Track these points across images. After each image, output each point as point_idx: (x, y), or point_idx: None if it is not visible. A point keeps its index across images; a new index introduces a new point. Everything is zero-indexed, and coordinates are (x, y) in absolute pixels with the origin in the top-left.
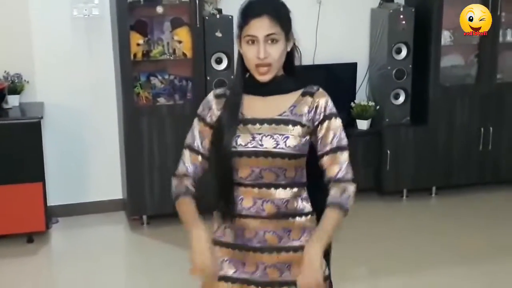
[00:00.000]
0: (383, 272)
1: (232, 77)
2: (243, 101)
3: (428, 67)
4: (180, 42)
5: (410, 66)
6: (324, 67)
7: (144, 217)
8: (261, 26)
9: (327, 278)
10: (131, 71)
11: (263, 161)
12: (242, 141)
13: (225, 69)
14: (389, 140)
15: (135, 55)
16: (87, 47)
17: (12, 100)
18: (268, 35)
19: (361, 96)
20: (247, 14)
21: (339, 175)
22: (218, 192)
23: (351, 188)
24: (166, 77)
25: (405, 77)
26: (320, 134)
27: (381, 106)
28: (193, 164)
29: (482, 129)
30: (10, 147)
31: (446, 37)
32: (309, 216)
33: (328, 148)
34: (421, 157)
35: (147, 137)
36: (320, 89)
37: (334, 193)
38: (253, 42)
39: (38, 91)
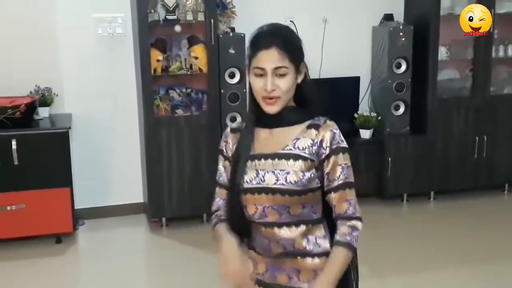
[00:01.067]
0: (385, 273)
1: (244, 90)
2: (255, 136)
3: (426, 80)
4: (196, 58)
5: (410, 79)
6: (329, 80)
7: (163, 219)
8: (270, 59)
9: None
10: (151, 85)
11: (265, 198)
12: (248, 178)
13: (237, 83)
14: (390, 148)
15: (155, 70)
16: (111, 63)
17: (43, 112)
18: (276, 67)
19: (364, 107)
20: (255, 46)
21: (349, 212)
22: (235, 227)
23: (359, 225)
24: (184, 90)
25: (404, 89)
26: (326, 170)
27: (383, 116)
28: (223, 198)
29: (477, 138)
30: (41, 155)
31: (442, 52)
32: (323, 258)
33: (335, 184)
34: (420, 164)
35: (166, 145)
36: (328, 121)
37: (343, 231)
38: (261, 74)
39: (66, 103)
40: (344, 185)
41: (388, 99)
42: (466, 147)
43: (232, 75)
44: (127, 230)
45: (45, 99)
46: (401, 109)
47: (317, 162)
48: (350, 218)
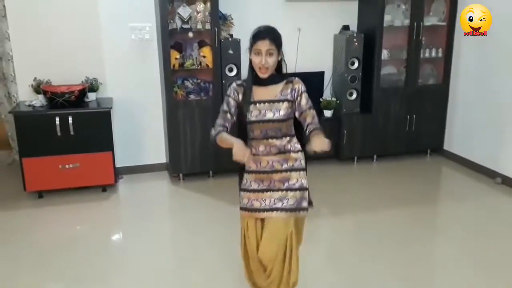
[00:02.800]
0: (341, 213)
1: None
2: (253, 90)
3: (372, 74)
4: (204, 56)
5: (360, 73)
6: (302, 74)
7: (181, 174)
8: (264, 45)
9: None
10: (171, 77)
11: (267, 125)
12: (254, 114)
13: (235, 75)
14: (345, 123)
15: (174, 65)
16: (142, 60)
17: (91, 96)
18: (267, 49)
19: (327, 94)
20: (256, 37)
21: (315, 119)
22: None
23: (318, 123)
24: (195, 80)
25: (356, 81)
26: (299, 102)
27: (340, 101)
28: (226, 119)
29: (408, 116)
30: (91, 128)
31: (384, 54)
32: (298, 153)
33: (304, 108)
34: (367, 135)
35: (182, 121)
36: (296, 78)
37: (315, 126)
38: (258, 54)
39: (109, 89)
40: (310, 107)
41: (344, 88)
42: (400, 123)
43: (230, 69)
44: (154, 182)
45: (93, 86)
46: (354, 95)
47: (293, 101)
48: (315, 122)
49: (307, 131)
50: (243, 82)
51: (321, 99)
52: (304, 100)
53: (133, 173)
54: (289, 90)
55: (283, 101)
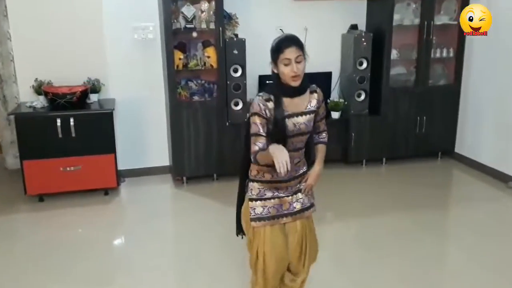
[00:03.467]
0: (349, 216)
1: (244, 82)
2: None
3: (381, 74)
4: (208, 57)
5: (369, 74)
6: (309, 74)
7: (184, 178)
8: (292, 52)
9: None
10: (175, 77)
11: (300, 137)
12: (290, 128)
13: (240, 76)
14: (353, 125)
15: (177, 66)
16: (144, 60)
17: (93, 97)
18: (296, 57)
19: (335, 95)
20: (281, 46)
21: (325, 128)
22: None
23: (326, 135)
24: (199, 81)
25: (365, 81)
26: (319, 111)
27: (348, 102)
28: (261, 143)
29: (418, 117)
30: (93, 130)
31: (394, 54)
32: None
33: (322, 116)
34: (375, 137)
35: (186, 122)
36: (317, 88)
37: (324, 135)
38: (288, 64)
39: (111, 90)
40: (324, 117)
41: (352, 89)
42: (410, 124)
43: (235, 70)
44: (157, 186)
45: (95, 87)
46: (362, 96)
47: (317, 110)
48: (325, 131)
49: (316, 138)
50: (269, 96)
51: (328, 100)
52: (322, 110)
53: (135, 176)
54: (315, 102)
55: (312, 112)
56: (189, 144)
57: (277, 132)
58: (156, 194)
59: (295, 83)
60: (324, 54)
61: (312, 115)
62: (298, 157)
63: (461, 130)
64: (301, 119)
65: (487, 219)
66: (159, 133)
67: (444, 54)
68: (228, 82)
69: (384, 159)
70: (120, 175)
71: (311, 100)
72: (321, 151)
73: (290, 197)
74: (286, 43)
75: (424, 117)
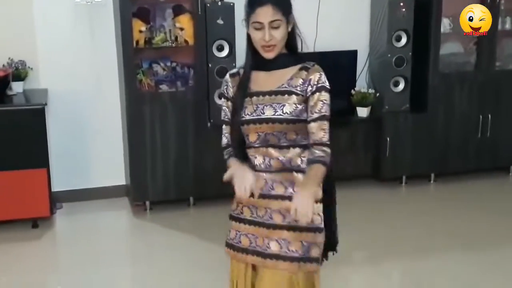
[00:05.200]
0: (383, 256)
1: (233, 64)
2: (251, 78)
3: (427, 54)
4: (182, 29)
5: (410, 53)
6: (324, 54)
7: (147, 203)
8: (266, 14)
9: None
10: (134, 58)
11: (266, 127)
12: (248, 111)
13: (226, 56)
14: (388, 127)
15: (137, 42)
16: (90, 34)
17: (16, 87)
18: (271, 21)
19: (361, 84)
20: (253, 3)
21: (324, 140)
22: (235, 153)
23: (329, 150)
24: (168, 64)
25: (405, 64)
26: (311, 103)
27: (381, 93)
28: (230, 134)
29: (480, 116)
30: (15, 134)
31: (445, 24)
32: None
33: (316, 115)
34: (420, 144)
35: (150, 123)
36: (316, 65)
37: (318, 153)
38: (259, 27)
39: (42, 77)
40: (322, 117)
41: (387, 75)
42: (469, 126)
43: (220, 48)
44: (109, 214)
45: (19, 72)
46: (401, 85)
47: (305, 97)
48: (324, 144)
49: (308, 156)
50: (238, 70)
51: (353, 91)
52: (320, 104)
53: (77, 200)
54: (300, 80)
55: (289, 93)
56: (154, 155)
57: (233, 118)
58: (107, 226)
59: (267, 55)
60: (346, 25)
61: (290, 98)
62: (279, 162)
63: None
64: (267, 99)
65: None
66: (112, 139)
67: None
68: (210, 65)
69: (432, 175)
70: (55, 200)
71: (293, 78)
72: (313, 168)
73: (267, 229)
74: (258, 2)
75: (489, 115)
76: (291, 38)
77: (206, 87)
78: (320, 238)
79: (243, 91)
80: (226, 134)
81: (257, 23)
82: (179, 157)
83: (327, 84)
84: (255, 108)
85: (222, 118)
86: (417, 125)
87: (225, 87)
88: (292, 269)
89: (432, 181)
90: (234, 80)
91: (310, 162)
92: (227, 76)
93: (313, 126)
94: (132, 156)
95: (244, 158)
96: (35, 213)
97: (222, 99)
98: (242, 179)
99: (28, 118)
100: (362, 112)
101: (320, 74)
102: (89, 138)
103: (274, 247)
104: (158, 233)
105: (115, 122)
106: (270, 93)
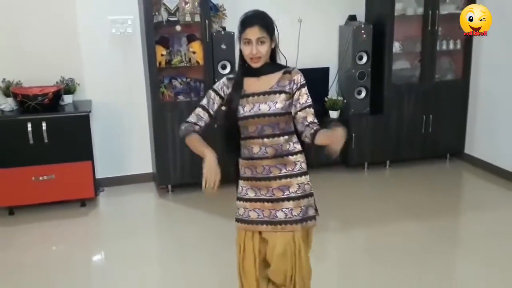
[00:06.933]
0: (350, 226)
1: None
2: (244, 82)
3: (383, 70)
4: (194, 52)
5: (369, 69)
6: (304, 70)
7: (169, 186)
8: (254, 32)
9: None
10: (157, 75)
11: (262, 120)
12: (247, 109)
13: (228, 72)
14: (353, 126)
15: (160, 63)
16: (123, 57)
17: (67, 99)
18: (258, 38)
19: (332, 93)
20: (244, 25)
21: (315, 121)
22: (226, 144)
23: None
24: (184, 79)
25: (365, 77)
26: (296, 97)
27: (348, 100)
28: (201, 118)
29: (424, 116)
30: (67, 135)
31: (396, 47)
32: (298, 155)
33: (304, 105)
34: (378, 138)
35: (170, 125)
36: (296, 69)
37: (318, 127)
38: (248, 43)
39: (87, 91)
40: (310, 106)
41: (352, 86)
42: (415, 124)
43: (224, 66)
44: (139, 195)
45: (69, 88)
46: (363, 94)
47: (292, 93)
48: (316, 123)
49: (311, 130)
50: (234, 76)
51: (326, 99)
52: (305, 96)
53: (115, 185)
54: (287, 81)
55: (279, 92)
56: (174, 149)
57: (230, 114)
58: (139, 205)
59: (254, 65)
60: (321, 48)
61: (280, 96)
62: (273, 149)
63: (471, 129)
64: (262, 99)
65: (503, 226)
66: (141, 137)
67: (451, 46)
68: (216, 80)
69: (387, 162)
70: (98, 185)
71: (280, 80)
72: (324, 131)
73: (272, 203)
74: (249, 21)
75: (431, 116)
76: (274, 53)
77: None
78: (312, 200)
79: (239, 93)
80: (199, 116)
81: (246, 39)
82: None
83: (304, 82)
84: (252, 106)
85: (202, 103)
86: (376, 124)
87: (220, 85)
88: (297, 229)
89: (387, 167)
90: (230, 83)
91: (317, 130)
92: (225, 78)
93: (303, 112)
94: (157, 150)
95: (237, 147)
96: (83, 195)
97: (212, 92)
98: (214, 174)
99: (77, 123)
100: (333, 114)
101: (300, 75)
102: (124, 137)
103: (280, 215)
104: (178, 210)
105: (144, 124)
106: (264, 93)
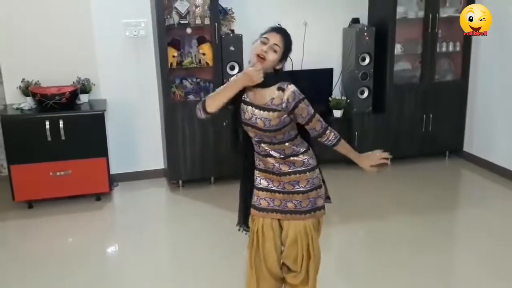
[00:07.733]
0: (351, 220)
1: None
2: (245, 89)
3: (385, 70)
4: (204, 54)
5: (372, 70)
6: (309, 71)
7: (180, 181)
8: (274, 37)
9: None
10: (169, 76)
11: (259, 131)
12: (246, 116)
13: (236, 73)
14: (356, 124)
15: (171, 64)
16: (137, 58)
17: (83, 98)
18: (275, 43)
19: (336, 93)
20: (272, 29)
21: (324, 126)
22: (231, 142)
23: (330, 128)
24: (194, 80)
25: (368, 78)
26: (299, 113)
27: (351, 99)
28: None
29: (424, 115)
30: (83, 132)
31: (398, 48)
32: (305, 153)
33: (307, 119)
34: (380, 136)
35: (181, 123)
36: (289, 85)
37: (331, 137)
38: (264, 42)
39: (102, 91)
40: (311, 117)
41: (355, 86)
42: (415, 123)
43: (232, 67)
44: (152, 190)
45: (85, 87)
46: (365, 94)
47: (288, 111)
48: (326, 128)
49: (328, 140)
50: None
51: (330, 98)
52: (305, 112)
53: (129, 180)
54: (280, 100)
55: (273, 110)
56: (184, 146)
57: (233, 115)
58: (151, 199)
59: (257, 63)
60: (325, 50)
61: (274, 114)
62: (277, 152)
63: (470, 128)
64: (257, 113)
65: (500, 222)
66: (153, 134)
67: (451, 48)
68: (224, 80)
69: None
70: (113, 180)
71: (274, 98)
72: (340, 146)
73: (282, 195)
74: (277, 29)
75: (431, 115)
76: (277, 70)
77: None
78: (321, 191)
79: (240, 97)
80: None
81: (265, 38)
82: (202, 147)
83: (301, 95)
84: (250, 116)
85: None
86: (378, 122)
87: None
88: (305, 218)
89: (389, 164)
90: None
91: (334, 145)
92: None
93: (310, 125)
94: (169, 147)
95: (242, 146)
96: (98, 189)
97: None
98: (249, 72)
99: (92, 121)
100: (337, 113)
101: (293, 92)
102: (137, 135)
103: (290, 206)
104: (188, 204)
105: (156, 122)
106: (259, 108)
